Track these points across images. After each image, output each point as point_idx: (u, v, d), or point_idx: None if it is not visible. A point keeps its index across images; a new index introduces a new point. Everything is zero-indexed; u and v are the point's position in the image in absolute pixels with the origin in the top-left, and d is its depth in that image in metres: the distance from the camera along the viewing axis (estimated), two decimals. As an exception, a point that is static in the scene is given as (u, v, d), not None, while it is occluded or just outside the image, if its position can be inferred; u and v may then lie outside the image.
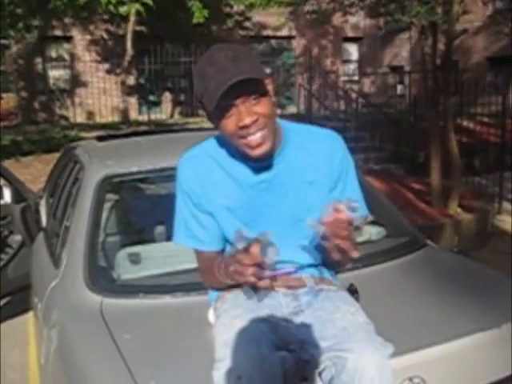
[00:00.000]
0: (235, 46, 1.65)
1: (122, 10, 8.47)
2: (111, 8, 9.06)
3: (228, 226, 1.75)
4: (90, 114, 14.80)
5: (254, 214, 1.74)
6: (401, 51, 18.47)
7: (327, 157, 1.77)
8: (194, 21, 11.51)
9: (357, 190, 1.84)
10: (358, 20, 17.18)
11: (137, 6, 8.35)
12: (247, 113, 1.56)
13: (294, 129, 1.79)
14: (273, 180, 1.72)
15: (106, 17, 13.23)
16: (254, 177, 1.72)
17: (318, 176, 1.76)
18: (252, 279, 1.53)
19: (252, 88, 1.56)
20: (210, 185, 1.73)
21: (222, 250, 1.82)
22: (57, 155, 4.95)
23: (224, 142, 1.75)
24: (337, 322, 1.60)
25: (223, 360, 1.52)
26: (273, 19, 14.50)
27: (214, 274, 1.73)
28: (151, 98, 15.18)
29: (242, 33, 16.49)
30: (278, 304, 1.71)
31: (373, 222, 2.70)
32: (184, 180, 1.76)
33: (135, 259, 2.36)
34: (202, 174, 1.74)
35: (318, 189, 1.76)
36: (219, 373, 1.51)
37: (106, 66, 15.27)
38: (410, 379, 1.67)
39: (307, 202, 1.75)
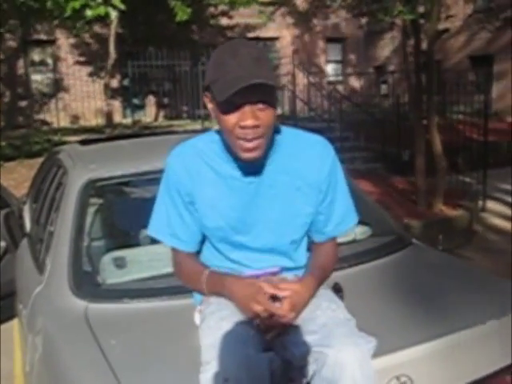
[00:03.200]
0: (258, 46, 1.65)
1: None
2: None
3: (212, 224, 1.75)
4: (74, 118, 14.71)
5: (241, 214, 1.74)
6: (384, 51, 18.57)
7: (316, 164, 1.77)
8: (177, 19, 11.45)
9: (347, 199, 1.86)
10: (342, 20, 17.27)
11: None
12: (252, 115, 1.56)
13: (284, 132, 1.78)
14: (262, 182, 1.73)
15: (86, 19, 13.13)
16: (242, 177, 1.72)
17: (306, 182, 1.76)
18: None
19: (265, 95, 1.56)
20: (198, 181, 1.74)
21: (198, 252, 1.86)
22: (40, 160, 4.92)
23: (215, 140, 1.75)
24: (317, 319, 1.61)
25: (210, 362, 1.52)
26: (256, 19, 14.53)
27: (192, 277, 1.79)
28: (135, 101, 15.11)
29: (225, 34, 16.46)
30: None
31: (358, 222, 2.70)
32: (173, 175, 1.76)
33: (120, 263, 2.34)
34: (192, 170, 1.74)
35: (304, 195, 1.76)
36: (206, 375, 1.50)
37: (90, 69, 15.19)
38: (397, 378, 1.67)
39: (294, 207, 1.76)
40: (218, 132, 1.74)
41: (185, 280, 1.86)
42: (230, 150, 1.68)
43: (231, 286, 1.67)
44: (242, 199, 1.73)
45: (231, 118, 1.57)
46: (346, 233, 1.97)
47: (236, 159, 1.69)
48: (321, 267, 1.79)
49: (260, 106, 1.57)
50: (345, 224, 1.88)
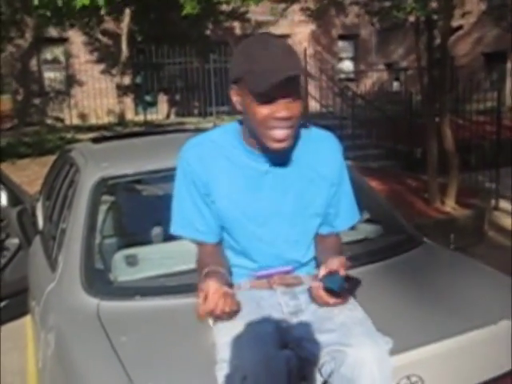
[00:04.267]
0: (283, 39, 1.70)
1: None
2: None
3: (228, 215, 1.76)
4: (86, 116, 14.79)
5: (257, 205, 1.75)
6: (397, 48, 18.47)
7: (328, 158, 1.81)
8: (185, 13, 11.49)
9: (350, 194, 1.91)
10: (353, 17, 17.19)
11: None
12: (285, 107, 1.60)
13: (299, 128, 1.80)
14: (277, 173, 1.75)
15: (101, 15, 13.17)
16: (258, 168, 1.74)
17: (319, 175, 1.79)
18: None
19: (295, 87, 1.61)
20: (214, 172, 1.74)
21: (220, 243, 1.84)
22: (53, 157, 4.95)
23: (230, 131, 1.78)
24: (335, 318, 1.62)
25: (227, 360, 1.52)
26: (267, 16, 14.51)
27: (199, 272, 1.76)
28: (147, 98, 15.15)
29: (237, 32, 16.47)
30: (277, 303, 1.71)
31: (369, 220, 2.70)
32: (188, 167, 1.76)
33: (132, 261, 2.36)
34: (207, 160, 1.75)
35: (317, 187, 1.79)
36: (223, 373, 1.51)
37: (102, 67, 15.25)
38: (408, 377, 1.67)
39: (307, 198, 1.78)
40: (239, 123, 1.77)
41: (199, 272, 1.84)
42: (251, 140, 1.71)
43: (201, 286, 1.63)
44: (258, 190, 1.74)
45: (265, 109, 1.60)
46: (349, 227, 1.98)
47: (253, 150, 1.72)
48: (337, 253, 1.80)
49: (291, 97, 1.60)
50: (351, 218, 1.92)
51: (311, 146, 1.79)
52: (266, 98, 1.58)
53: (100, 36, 15.21)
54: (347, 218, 1.91)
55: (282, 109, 1.59)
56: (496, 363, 1.85)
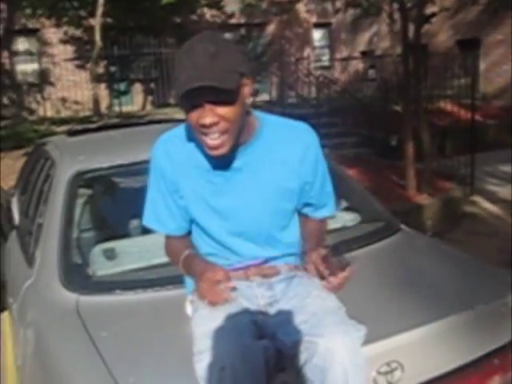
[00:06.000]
0: (221, 38, 1.62)
1: None
2: None
3: (198, 210, 1.77)
4: (61, 108, 14.59)
5: (224, 201, 1.75)
6: (371, 36, 18.51)
7: (301, 149, 1.77)
8: (163, 2, 11.39)
9: (328, 186, 1.88)
10: (327, 5, 17.20)
11: None
12: (209, 113, 1.56)
13: (270, 120, 1.79)
14: (242, 169, 1.73)
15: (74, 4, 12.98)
16: (223, 165, 1.73)
17: (287, 169, 1.76)
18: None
19: (222, 92, 1.54)
20: (180, 169, 1.76)
21: (189, 233, 1.87)
22: (27, 151, 4.88)
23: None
24: (307, 307, 1.63)
25: (205, 351, 1.53)
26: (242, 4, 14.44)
27: (177, 260, 1.81)
28: (122, 89, 14.99)
29: (211, 20, 16.33)
30: (254, 295, 1.72)
31: (347, 208, 2.72)
32: (157, 162, 1.79)
33: (110, 255, 2.34)
34: (175, 157, 1.76)
35: (288, 171, 1.75)
36: (202, 364, 1.51)
37: (76, 58, 15.04)
38: (388, 364, 1.69)
39: (273, 193, 1.75)
40: None
41: (170, 259, 1.91)
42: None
43: (199, 270, 1.71)
44: (224, 186, 1.74)
45: (193, 116, 1.58)
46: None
47: None
48: (318, 240, 1.85)
49: (219, 103, 1.56)
50: (324, 211, 1.90)
51: (285, 138, 1.77)
52: (190, 105, 1.57)
53: (74, 27, 14.97)
54: (319, 208, 1.88)
55: (205, 115, 1.56)
56: (473, 347, 1.88)
